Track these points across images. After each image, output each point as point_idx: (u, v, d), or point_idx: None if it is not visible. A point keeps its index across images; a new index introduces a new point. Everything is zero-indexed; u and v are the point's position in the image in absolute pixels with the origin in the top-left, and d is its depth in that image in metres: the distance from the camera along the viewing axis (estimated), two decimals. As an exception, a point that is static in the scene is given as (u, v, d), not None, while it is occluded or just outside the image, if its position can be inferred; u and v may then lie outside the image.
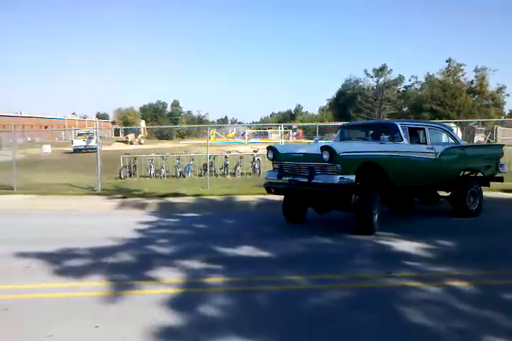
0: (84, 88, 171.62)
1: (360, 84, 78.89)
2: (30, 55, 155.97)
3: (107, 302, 4.43)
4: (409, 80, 74.60)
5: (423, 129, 8.63)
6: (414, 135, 8.47)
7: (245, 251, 6.34)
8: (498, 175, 9.78)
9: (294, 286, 4.91)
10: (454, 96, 61.29)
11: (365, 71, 74.98)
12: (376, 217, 7.39)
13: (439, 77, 67.72)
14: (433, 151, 8.41)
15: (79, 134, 36.48)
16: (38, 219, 9.35)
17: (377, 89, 73.50)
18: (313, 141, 9.77)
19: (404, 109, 72.00)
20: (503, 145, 10.88)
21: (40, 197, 11.76)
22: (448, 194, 9.17)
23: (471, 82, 67.98)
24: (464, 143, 9.66)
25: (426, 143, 8.48)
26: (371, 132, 8.82)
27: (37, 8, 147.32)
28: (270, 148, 8.34)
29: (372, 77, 75.11)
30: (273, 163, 8.43)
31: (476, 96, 66.99)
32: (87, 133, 34.19)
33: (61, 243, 6.78)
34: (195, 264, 5.67)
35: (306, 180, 7.43)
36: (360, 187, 7.51)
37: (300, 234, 7.44)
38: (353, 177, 7.10)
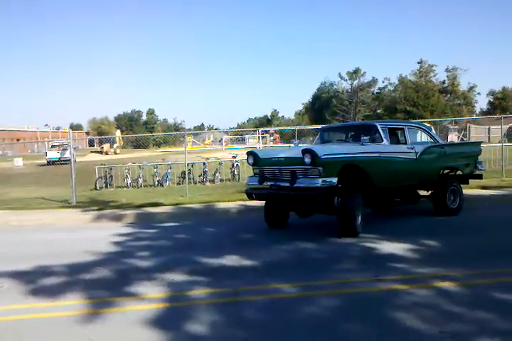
0: (57, 99, 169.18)
1: (335, 87, 79.86)
2: (1, 65, 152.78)
3: (85, 321, 4.19)
4: (383, 82, 76.00)
5: (402, 129, 8.63)
6: (394, 135, 8.46)
7: (228, 260, 6.16)
8: (477, 172, 9.85)
9: (281, 295, 4.75)
10: (426, 96, 62.48)
11: (340, 74, 76.07)
12: (359, 219, 7.31)
13: (412, 78, 68.95)
14: (413, 151, 8.39)
15: (52, 146, 35.80)
16: (10, 236, 8.99)
17: (352, 92, 74.45)
18: (292, 145, 9.66)
19: (379, 111, 73.05)
20: (481, 142, 10.97)
21: (13, 213, 11.34)
22: (428, 193, 9.19)
23: (443, 82, 69.47)
24: (443, 142, 9.69)
25: (406, 143, 8.47)
26: (351, 134, 8.75)
27: (8, 17, 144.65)
28: (250, 154, 8.21)
29: (346, 80, 76.20)
30: (253, 169, 8.29)
31: (448, 95, 68.46)
32: (61, 145, 33.65)
33: (35, 260, 6.49)
34: (177, 277, 5.46)
35: (288, 184, 7.32)
36: (343, 189, 7.43)
37: (283, 240, 7.29)
38: (335, 180, 7.02)
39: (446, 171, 9.50)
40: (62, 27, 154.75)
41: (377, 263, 5.71)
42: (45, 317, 4.40)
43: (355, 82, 75.42)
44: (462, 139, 37.28)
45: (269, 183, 7.74)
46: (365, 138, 7.71)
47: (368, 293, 4.69)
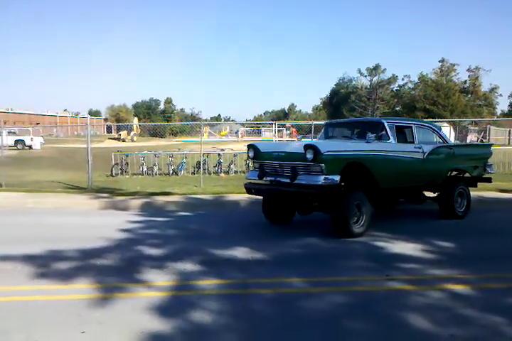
0: (77, 85, 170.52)
1: (354, 83, 79.10)
2: (23, 52, 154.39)
3: (94, 306, 4.24)
4: (403, 79, 74.88)
5: (410, 128, 8.30)
6: (401, 134, 8.12)
7: (239, 252, 6.16)
8: (486, 175, 9.50)
9: (290, 289, 4.75)
10: (447, 95, 61.53)
11: (359, 70, 75.28)
12: (363, 218, 7.08)
13: (433, 77, 67.95)
14: (421, 151, 8.10)
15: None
16: (25, 218, 9.11)
17: (371, 88, 73.66)
18: (297, 140, 9.50)
19: (398, 108, 72.15)
20: (491, 145, 10.66)
21: (30, 195, 11.50)
22: (435, 195, 8.91)
23: (464, 82, 68.35)
24: (452, 142, 9.29)
25: (413, 142, 8.16)
26: (357, 130, 8.37)
27: (31, 6, 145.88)
28: (251, 146, 7.94)
29: (365, 76, 75.40)
30: (254, 162, 8.11)
31: (469, 96, 67.37)
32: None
33: (49, 243, 6.57)
34: (186, 266, 5.49)
35: (288, 180, 7.08)
36: (345, 187, 7.20)
37: (293, 234, 7.27)
38: (337, 178, 6.79)
39: (454, 173, 9.22)
40: (84, 14, 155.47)
41: (388, 263, 5.66)
42: (56, 300, 4.47)
43: (375, 79, 74.61)
44: (482, 140, 36.69)
45: (269, 178, 7.54)
46: (370, 135, 7.43)
47: (378, 292, 4.66)
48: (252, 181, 7.94)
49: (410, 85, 73.38)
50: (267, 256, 6.01)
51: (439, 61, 68.92)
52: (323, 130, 9.05)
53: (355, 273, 5.25)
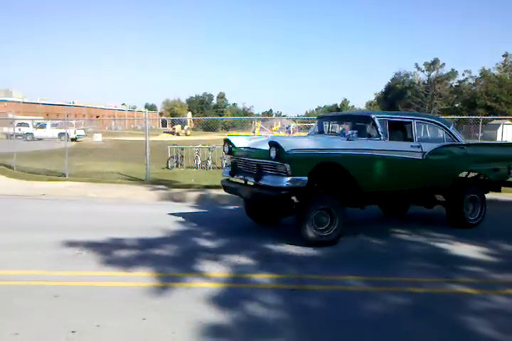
0: (134, 80, 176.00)
1: (411, 78, 76.82)
2: (83, 47, 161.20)
3: (154, 294, 4.39)
4: (463, 75, 71.87)
5: (409, 124, 7.25)
6: (397, 130, 7.17)
7: (291, 247, 6.17)
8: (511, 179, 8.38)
9: (346, 287, 4.71)
10: (510, 92, 58.54)
11: (416, 65, 72.98)
12: (335, 224, 6.31)
13: (495, 72, 64.84)
14: (419, 150, 7.06)
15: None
16: (87, 207, 9.53)
17: (429, 84, 71.24)
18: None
19: (457, 105, 69.41)
20: None
21: (91, 185, 12.02)
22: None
23: (531, 78, 64.70)
24: (464, 140, 8.01)
25: (412, 140, 7.13)
26: (346, 125, 7.51)
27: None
28: (226, 141, 7.32)
29: (423, 71, 73.01)
30: (230, 158, 7.62)
31: (536, 92, 63.71)
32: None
33: (109, 231, 6.84)
34: (241, 259, 5.56)
35: (253, 180, 6.54)
36: (310, 189, 6.44)
37: (346, 231, 7.12)
38: (305, 179, 6.03)
39: (471, 175, 8.27)
40: (139, 11, 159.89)
41: (447, 264, 5.50)
42: (117, 286, 4.66)
43: (433, 74, 72.06)
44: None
45: (240, 176, 7.02)
46: (353, 131, 6.66)
47: (440, 295, 4.53)
48: (227, 178, 7.42)
49: (471, 81, 70.36)
50: (321, 252, 5.98)
51: (503, 55, 65.70)
52: (315, 124, 8.32)
53: (412, 274, 5.12)
